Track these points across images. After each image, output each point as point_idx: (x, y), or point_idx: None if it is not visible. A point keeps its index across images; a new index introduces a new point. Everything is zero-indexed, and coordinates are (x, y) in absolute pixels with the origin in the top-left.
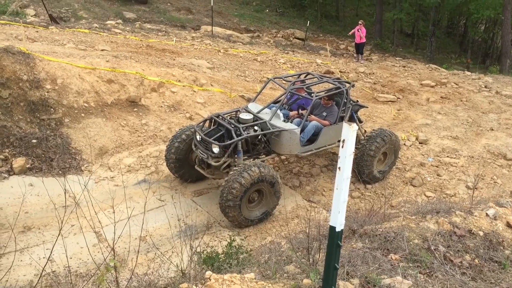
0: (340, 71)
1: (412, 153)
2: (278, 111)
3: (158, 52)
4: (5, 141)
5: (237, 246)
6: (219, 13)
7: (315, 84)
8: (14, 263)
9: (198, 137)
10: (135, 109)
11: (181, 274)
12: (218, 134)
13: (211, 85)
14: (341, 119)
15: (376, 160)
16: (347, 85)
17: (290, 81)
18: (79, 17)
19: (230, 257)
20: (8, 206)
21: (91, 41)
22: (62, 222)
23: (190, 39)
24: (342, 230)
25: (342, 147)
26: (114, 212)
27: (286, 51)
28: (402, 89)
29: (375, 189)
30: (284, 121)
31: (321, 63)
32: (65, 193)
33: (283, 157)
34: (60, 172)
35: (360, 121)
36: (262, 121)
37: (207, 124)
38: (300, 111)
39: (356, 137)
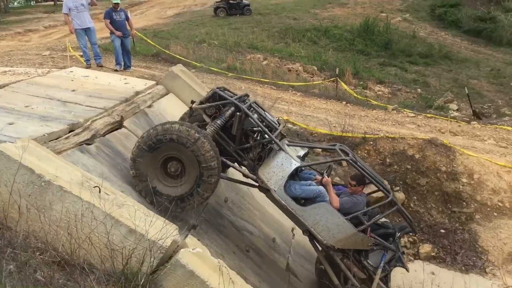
0: None
1: None
2: (302, 150)
3: None
4: (415, 226)
5: None
6: None
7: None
8: None
9: None
10: None
11: None
12: None
13: None
14: (362, 228)
15: None
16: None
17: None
18: (501, 114)
19: None
20: None
21: None
22: None
23: None
24: None
25: None
26: None
27: None
28: None
29: None
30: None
31: None
32: None
33: None
34: (463, 268)
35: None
36: (274, 124)
37: None
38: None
39: None
